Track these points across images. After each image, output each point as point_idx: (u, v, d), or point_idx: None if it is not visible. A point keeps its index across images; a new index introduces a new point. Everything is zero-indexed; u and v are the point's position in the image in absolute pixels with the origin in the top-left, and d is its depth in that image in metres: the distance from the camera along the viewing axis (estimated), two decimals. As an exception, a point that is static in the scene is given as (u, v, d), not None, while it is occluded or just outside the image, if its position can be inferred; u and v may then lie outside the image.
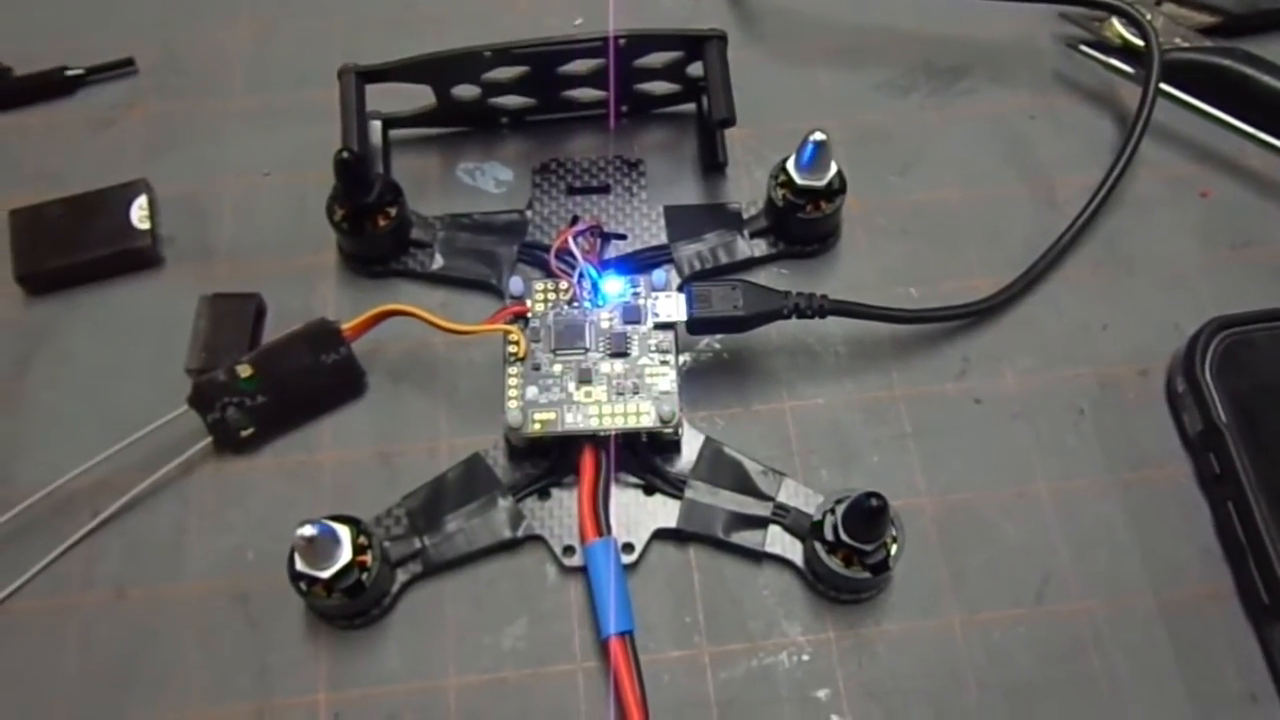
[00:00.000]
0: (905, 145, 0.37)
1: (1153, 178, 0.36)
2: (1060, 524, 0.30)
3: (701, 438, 0.31)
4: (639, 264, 0.32)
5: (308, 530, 0.26)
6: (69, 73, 0.38)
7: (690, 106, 0.36)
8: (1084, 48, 0.37)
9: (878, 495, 0.26)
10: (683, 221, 0.34)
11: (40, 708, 0.28)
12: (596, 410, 0.29)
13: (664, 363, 0.30)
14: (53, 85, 0.38)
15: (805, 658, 0.29)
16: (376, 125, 0.35)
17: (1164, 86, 0.36)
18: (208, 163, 0.36)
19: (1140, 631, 0.29)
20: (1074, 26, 0.38)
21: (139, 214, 0.34)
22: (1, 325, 0.34)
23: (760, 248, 0.34)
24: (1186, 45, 0.37)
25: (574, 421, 0.29)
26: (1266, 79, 0.35)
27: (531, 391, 0.29)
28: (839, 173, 0.33)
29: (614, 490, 0.30)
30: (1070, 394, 0.32)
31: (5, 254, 0.34)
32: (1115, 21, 0.37)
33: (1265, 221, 0.35)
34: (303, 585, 0.27)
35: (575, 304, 0.31)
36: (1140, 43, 0.36)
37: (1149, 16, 0.37)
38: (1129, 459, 0.31)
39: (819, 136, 0.31)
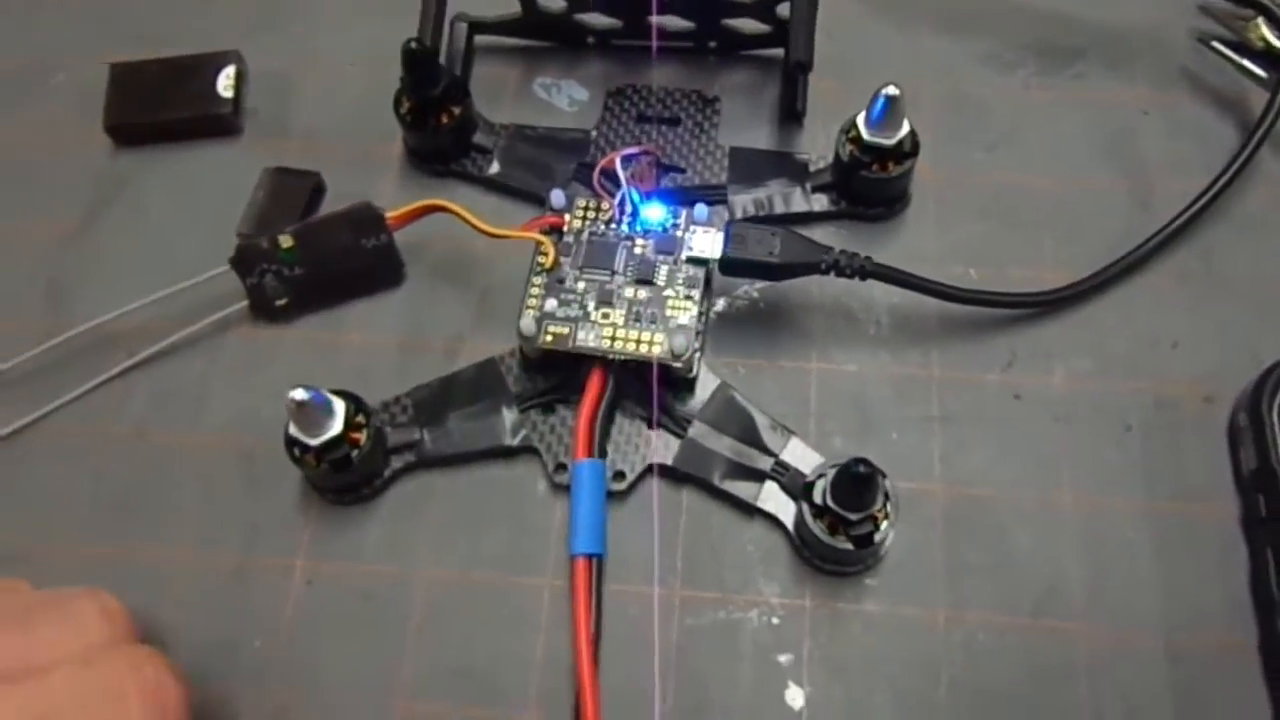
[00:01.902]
0: (999, 122, 0.34)
1: (1268, 195, 0.33)
2: (1079, 540, 0.28)
3: (717, 381, 0.30)
4: (690, 199, 0.32)
5: (300, 394, 0.26)
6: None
7: (778, 52, 0.35)
8: (1217, 44, 0.34)
9: (866, 462, 0.25)
10: (747, 165, 0.33)
11: (52, 521, 0.30)
12: (610, 333, 0.29)
13: (688, 298, 0.29)
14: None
15: (775, 620, 0.28)
16: (463, 28, 0.35)
17: (1301, 98, 0.33)
18: (298, 46, 0.37)
19: (1140, 670, 0.27)
20: (1213, 23, 0.35)
21: (225, 83, 0.36)
22: (86, 171, 0.36)
23: (820, 203, 0.33)
24: (1335, 57, 0.33)
25: (585, 340, 0.29)
26: None
27: (551, 304, 0.29)
28: (912, 134, 0.31)
29: (619, 417, 0.30)
30: (1121, 406, 0.30)
31: (101, 105, 0.36)
32: (1261, 23, 0.34)
33: (1388, 260, 0.32)
34: (295, 451, 0.28)
35: (613, 226, 0.30)
36: (1282, 47, 0.33)
37: (1297, 20, 0.33)
38: (1171, 487, 0.29)
39: (891, 91, 0.30)
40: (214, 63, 0.36)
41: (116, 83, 0.36)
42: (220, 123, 0.36)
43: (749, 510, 0.29)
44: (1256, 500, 0.28)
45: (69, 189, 0.35)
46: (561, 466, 0.29)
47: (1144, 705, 0.26)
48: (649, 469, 0.29)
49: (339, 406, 0.28)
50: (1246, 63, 0.34)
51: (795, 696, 0.27)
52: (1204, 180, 0.32)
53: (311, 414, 0.27)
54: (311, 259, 0.32)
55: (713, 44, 0.35)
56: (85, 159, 0.36)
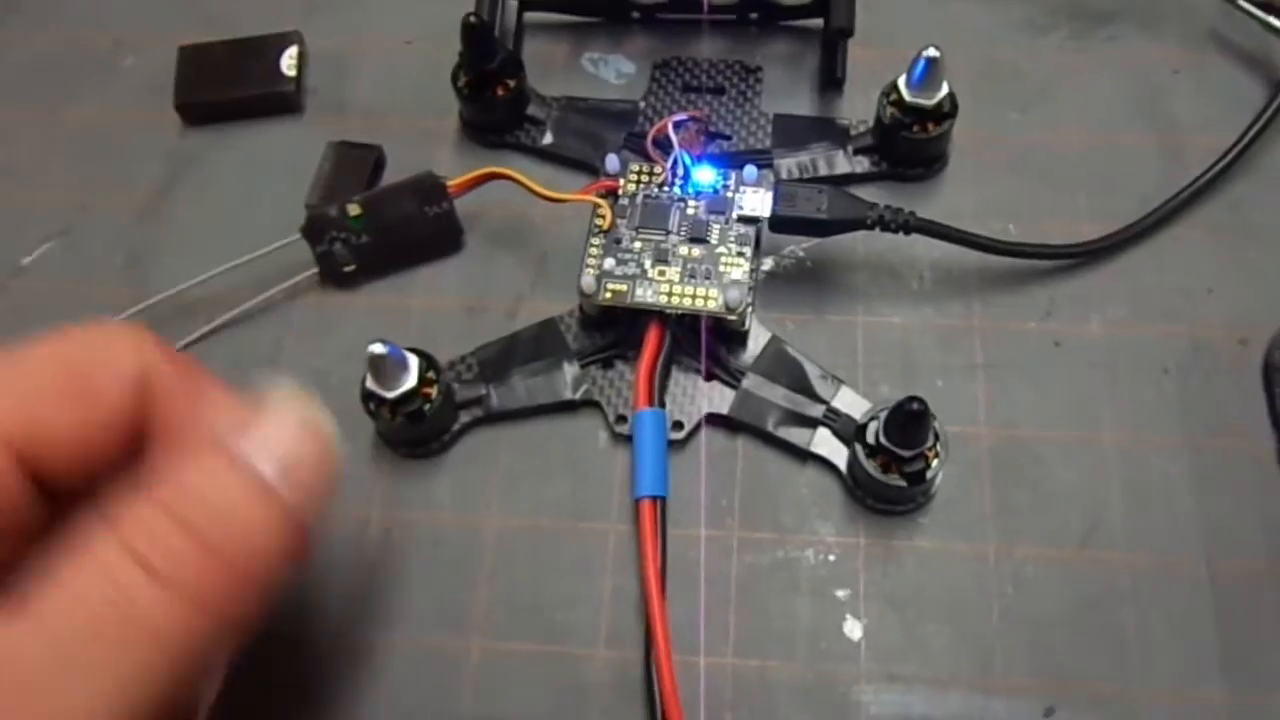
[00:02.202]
0: (1034, 84, 0.36)
1: (1297, 148, 0.34)
2: (1120, 476, 0.30)
3: (768, 335, 0.31)
4: (739, 163, 0.33)
5: (378, 348, 0.28)
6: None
7: (818, 22, 0.36)
8: (1244, 3, 0.35)
9: (919, 400, 0.26)
10: (790, 131, 0.35)
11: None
12: (667, 289, 0.30)
13: (740, 254, 0.31)
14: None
15: (831, 558, 0.29)
16: (514, 5, 0.37)
17: (1327, 54, 0.34)
18: (358, 25, 0.39)
19: (1184, 595, 0.28)
20: (1241, -16, 0.36)
21: (288, 62, 0.37)
22: (158, 147, 0.37)
23: (863, 164, 0.34)
24: (1362, 14, 0.34)
25: (643, 296, 0.30)
26: None
27: (609, 263, 0.31)
28: (950, 95, 0.32)
29: (675, 371, 0.31)
30: (1159, 351, 0.31)
31: (171, 85, 0.37)
32: (1287, -18, 0.35)
33: None
34: (371, 405, 0.29)
35: (665, 188, 0.32)
36: (1308, 5, 0.34)
37: (1325, -20, 0.35)
38: (1208, 425, 0.30)
39: (932, 53, 0.31)
40: (277, 43, 0.37)
41: (185, 64, 0.37)
42: (284, 100, 0.37)
43: (802, 455, 0.30)
44: (1292, 435, 0.29)
45: (142, 165, 0.37)
46: (622, 418, 0.31)
47: (1188, 626, 0.28)
48: (705, 419, 0.31)
49: (413, 361, 0.29)
50: (1274, 20, 0.35)
51: (853, 628, 0.28)
52: (1233, 135, 0.33)
53: (388, 368, 0.28)
54: (377, 227, 0.33)
55: (754, 15, 0.37)
56: (157, 137, 0.37)
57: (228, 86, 0.37)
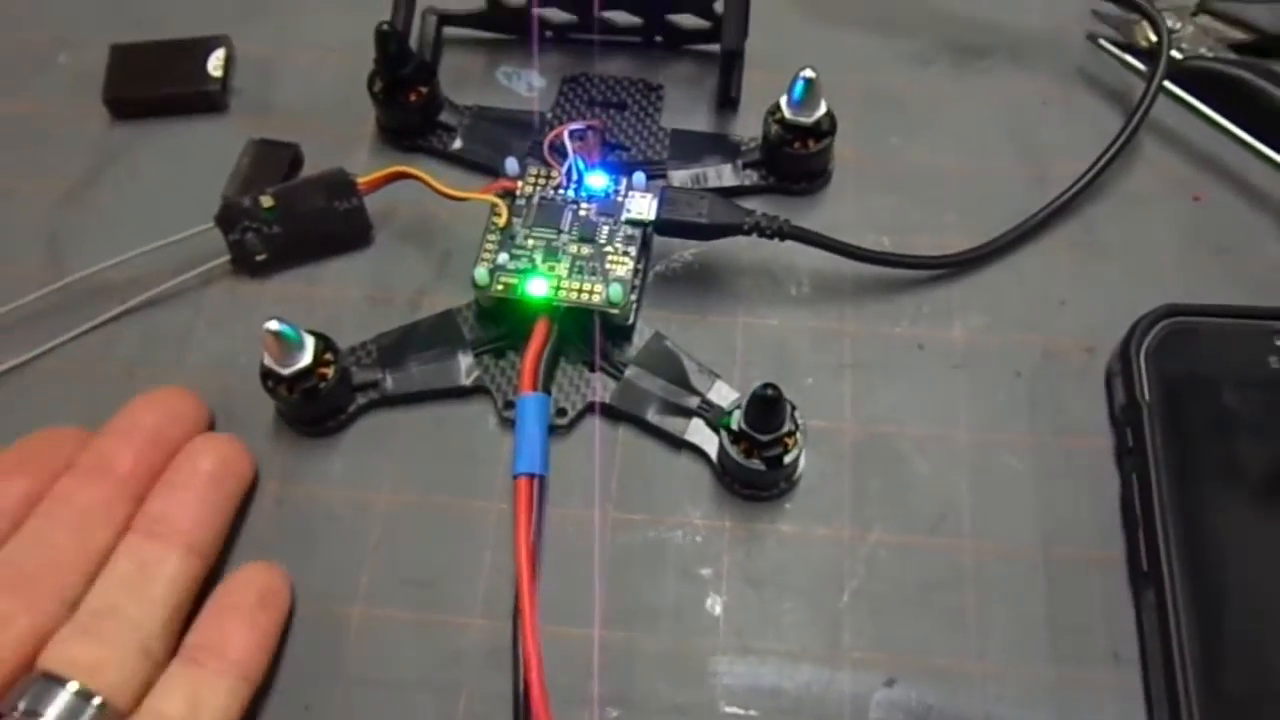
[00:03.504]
0: (913, 111, 0.38)
1: (1148, 174, 0.37)
2: (971, 469, 0.32)
3: (651, 331, 0.33)
4: (632, 170, 0.35)
5: (274, 325, 0.30)
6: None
7: (717, 47, 0.39)
8: (1103, 43, 0.38)
9: (773, 386, 0.28)
10: (686, 145, 0.37)
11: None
12: (556, 283, 0.32)
13: (626, 254, 0.33)
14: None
15: (699, 539, 0.31)
16: (433, 20, 0.39)
17: (1176, 90, 0.37)
18: (284, 33, 0.41)
19: (1021, 579, 0.30)
20: (1105, 26, 0.39)
21: (215, 64, 0.39)
22: (86, 139, 0.39)
23: (751, 178, 0.36)
24: (1210, 55, 0.37)
25: (533, 290, 0.32)
26: (1281, 95, 0.35)
27: (502, 257, 0.33)
28: (829, 114, 0.35)
29: (564, 363, 0.33)
30: (1013, 357, 0.34)
31: (101, 81, 0.39)
32: (1145, 24, 0.38)
33: (1252, 232, 0.35)
34: (269, 382, 0.31)
35: (560, 191, 0.34)
36: (1162, 46, 0.37)
37: (1179, 24, 0.38)
38: (1053, 424, 0.32)
39: (809, 73, 0.33)
40: (206, 45, 0.39)
41: (116, 61, 0.39)
42: (208, 99, 0.39)
43: (677, 444, 0.32)
44: (1125, 433, 0.31)
45: (69, 155, 0.38)
46: (510, 404, 0.33)
47: (1024, 607, 0.30)
48: (590, 407, 0.33)
49: (309, 341, 0.31)
50: (1132, 60, 0.38)
51: (714, 604, 0.30)
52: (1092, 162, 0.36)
53: (284, 345, 0.30)
54: (289, 219, 0.35)
55: (658, 38, 0.39)
56: (84, 129, 0.39)
57: (155, 83, 0.39)
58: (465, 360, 0.33)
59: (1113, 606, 0.30)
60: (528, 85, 0.39)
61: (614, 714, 0.29)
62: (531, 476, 0.30)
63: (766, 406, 0.29)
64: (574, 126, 0.35)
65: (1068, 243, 0.35)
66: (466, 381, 0.33)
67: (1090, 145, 0.37)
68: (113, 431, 0.30)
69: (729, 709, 0.29)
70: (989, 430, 0.32)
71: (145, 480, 0.29)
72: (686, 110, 0.38)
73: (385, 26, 0.34)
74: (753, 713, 0.29)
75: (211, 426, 0.32)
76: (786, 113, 0.34)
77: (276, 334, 0.30)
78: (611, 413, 0.33)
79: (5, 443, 0.33)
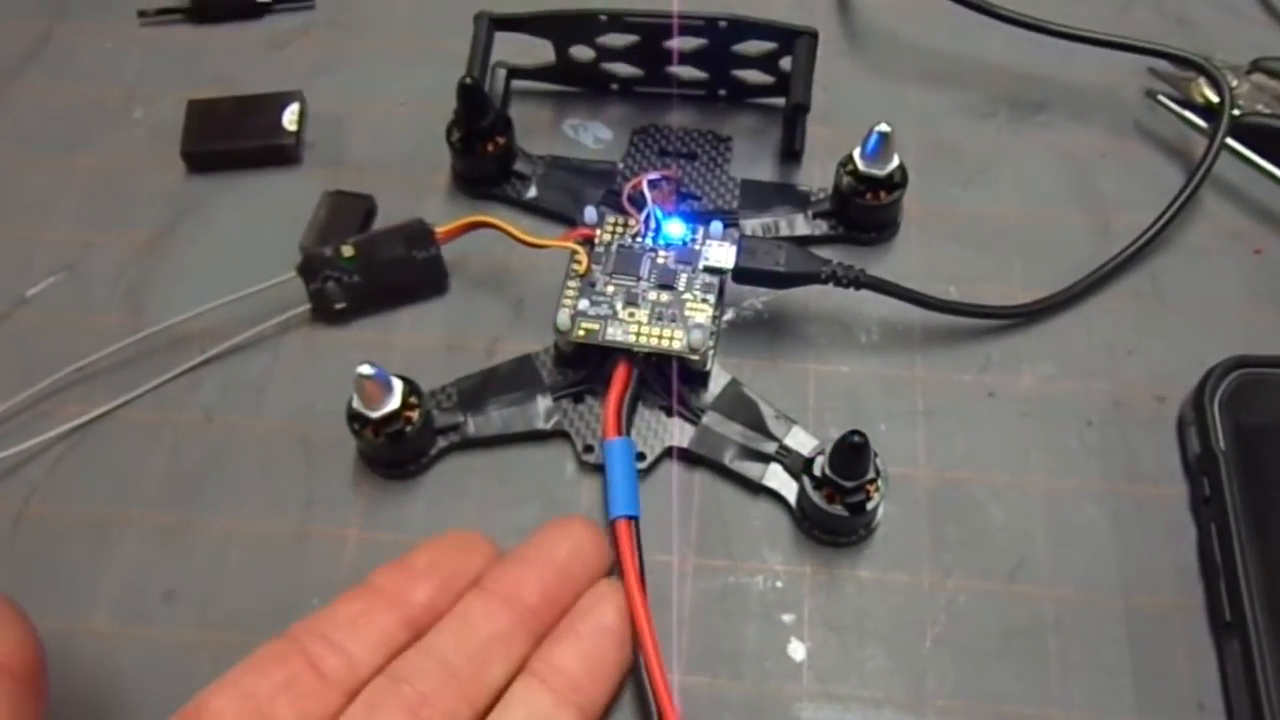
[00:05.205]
0: (974, 163, 0.39)
1: (1210, 228, 0.37)
2: (1046, 517, 0.32)
3: (728, 377, 0.34)
4: (707, 219, 0.36)
5: (366, 369, 0.30)
6: (258, 1, 0.44)
7: (779, 100, 0.40)
8: (1162, 98, 0.39)
9: (860, 433, 0.29)
10: (756, 195, 0.38)
11: (129, 496, 0.33)
12: (636, 329, 0.33)
13: (704, 301, 0.33)
14: (242, 9, 0.44)
15: (779, 584, 0.31)
16: (503, 73, 0.40)
17: (1237, 146, 0.37)
18: (356, 87, 0.42)
19: (1102, 627, 0.30)
20: (1161, 82, 0.40)
21: (289, 118, 0.40)
22: (164, 191, 0.39)
23: (821, 228, 0.37)
24: (1267, 112, 0.38)
25: (614, 335, 0.33)
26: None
27: (583, 303, 0.33)
28: (901, 166, 0.36)
29: (641, 408, 0.34)
30: (1083, 405, 0.34)
31: (177, 136, 0.40)
32: (1202, 82, 0.39)
33: (1313, 285, 0.36)
34: (355, 425, 0.32)
35: (639, 239, 0.35)
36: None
37: (1235, 82, 0.38)
38: (1126, 473, 0.33)
39: (884, 128, 0.34)
40: (280, 100, 0.40)
41: (192, 116, 0.40)
42: (283, 153, 0.40)
43: (755, 489, 0.33)
44: (1201, 482, 0.31)
45: (146, 208, 0.39)
46: (589, 448, 0.33)
47: (1106, 655, 0.30)
48: (667, 452, 0.33)
49: (397, 385, 0.31)
50: (1190, 115, 0.39)
51: (797, 649, 0.30)
52: (1153, 214, 0.36)
53: (374, 389, 0.31)
54: (369, 268, 0.36)
55: (722, 92, 0.40)
56: (161, 182, 0.40)
57: (231, 137, 0.40)
58: (544, 404, 0.34)
59: (1195, 656, 0.30)
60: (594, 138, 0.40)
61: (701, 760, 0.29)
62: (630, 519, 0.30)
63: (853, 453, 0.29)
64: (652, 176, 0.35)
65: (1132, 293, 0.36)
66: (546, 425, 0.33)
67: (1149, 198, 0.38)
68: (523, 559, 0.29)
69: (815, 755, 0.29)
70: (1062, 477, 0.33)
71: (549, 618, 0.28)
72: (752, 161, 0.39)
73: (468, 80, 0.35)
74: (839, 759, 0.29)
75: (609, 571, 0.30)
76: (860, 165, 0.35)
77: (368, 377, 0.30)
78: (689, 457, 0.33)
79: (78, 493, 0.33)
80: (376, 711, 0.25)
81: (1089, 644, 0.30)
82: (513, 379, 0.34)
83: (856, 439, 0.29)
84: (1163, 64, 0.40)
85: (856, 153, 0.35)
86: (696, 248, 0.34)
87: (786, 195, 0.38)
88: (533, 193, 0.38)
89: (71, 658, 0.31)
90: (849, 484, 0.30)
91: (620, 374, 0.33)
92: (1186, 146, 0.39)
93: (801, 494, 0.31)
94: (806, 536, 0.32)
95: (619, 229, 0.35)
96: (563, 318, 0.33)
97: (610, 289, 0.34)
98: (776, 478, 0.32)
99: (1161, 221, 0.36)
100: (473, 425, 0.33)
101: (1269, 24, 0.42)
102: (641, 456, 0.33)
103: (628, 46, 0.38)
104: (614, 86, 0.41)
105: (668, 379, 0.33)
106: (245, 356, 0.36)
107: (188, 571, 0.32)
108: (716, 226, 0.34)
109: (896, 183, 0.36)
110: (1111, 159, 0.39)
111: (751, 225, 0.37)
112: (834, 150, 0.39)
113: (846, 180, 0.36)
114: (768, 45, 0.38)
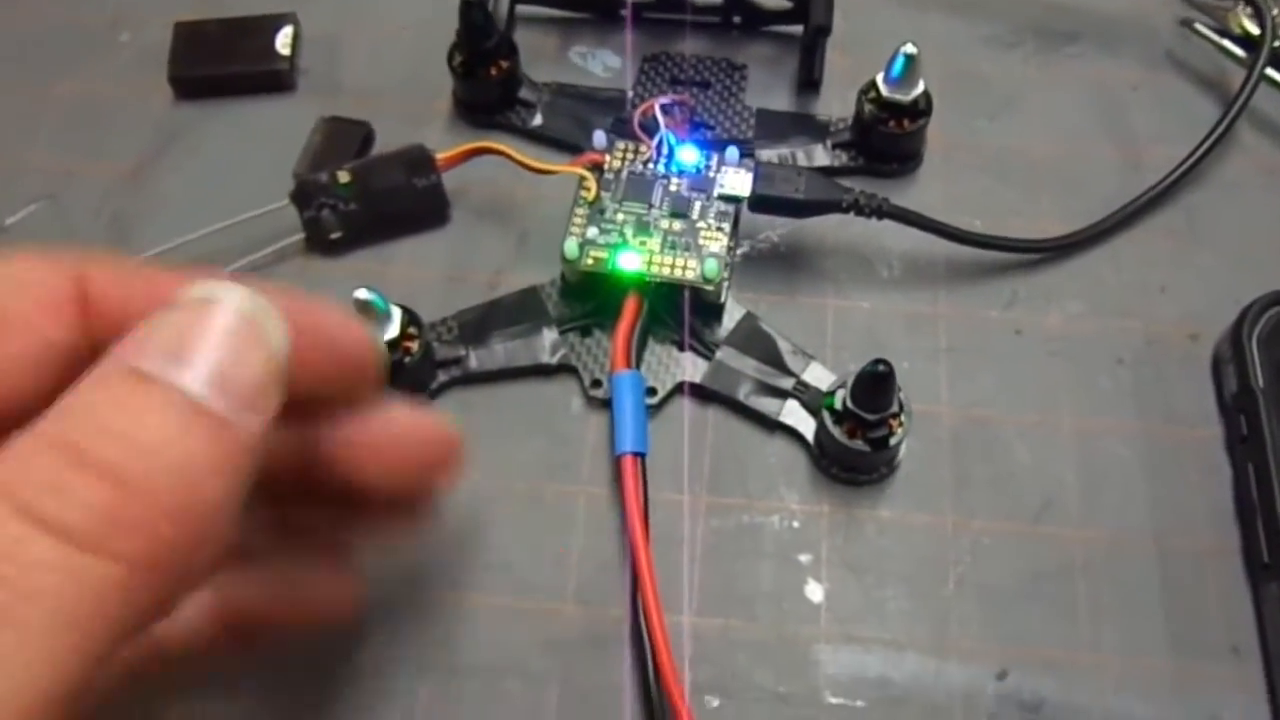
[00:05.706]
0: (1001, 94, 0.37)
1: (1247, 163, 0.36)
2: (1075, 457, 0.31)
3: (743, 311, 0.32)
4: (722, 146, 0.34)
5: (363, 293, 0.29)
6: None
7: (796, 28, 0.38)
8: (1199, 27, 0.37)
9: (886, 362, 0.27)
10: (772, 125, 0.36)
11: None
12: (647, 257, 0.31)
13: (720, 229, 0.32)
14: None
15: (795, 524, 0.30)
16: (506, -1, 0.38)
17: (1277, 77, 0.36)
18: (353, 8, 0.40)
19: (1134, 570, 0.29)
20: (1196, 11, 0.38)
21: (283, 41, 0.38)
22: (149, 118, 0.38)
23: (840, 158, 0.35)
24: (1308, 42, 0.36)
25: (625, 264, 0.31)
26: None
27: (592, 231, 0.32)
28: (926, 93, 0.34)
29: (651, 342, 0.32)
30: (1114, 343, 0.33)
31: (165, 60, 0.38)
32: (1240, 10, 0.37)
33: (1354, 221, 0.34)
34: (352, 357, 0.30)
35: (650, 165, 0.33)
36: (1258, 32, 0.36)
37: (1277, 11, 0.37)
38: (1160, 412, 0.31)
39: (910, 49, 0.33)
40: (273, 23, 0.38)
41: (180, 39, 0.38)
42: (276, 78, 0.38)
43: (771, 425, 0.31)
44: (1238, 420, 0.30)
45: (132, 135, 0.37)
46: (597, 382, 0.31)
47: (1138, 598, 0.29)
48: (679, 387, 0.32)
49: (396, 312, 0.30)
50: (1226, 43, 0.37)
51: (815, 591, 0.29)
52: (1186, 148, 0.35)
53: (371, 316, 0.29)
54: (366, 195, 0.34)
55: (737, 19, 0.38)
56: (148, 109, 0.38)
57: (221, 62, 0.38)
58: (550, 337, 0.32)
59: (1230, 599, 0.29)
60: (603, 65, 0.39)
61: (714, 703, 0.28)
62: (636, 455, 0.29)
63: (877, 384, 0.28)
64: (664, 100, 0.34)
65: (1165, 229, 0.35)
66: (552, 359, 0.32)
67: (1182, 131, 0.36)
68: None
69: (834, 699, 0.28)
70: (1092, 417, 0.31)
71: None
72: (767, 90, 0.38)
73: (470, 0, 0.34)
74: (859, 703, 0.28)
75: None
76: (883, 90, 0.34)
77: (365, 303, 0.29)
78: (702, 393, 0.32)
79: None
80: None
81: (1120, 587, 0.29)
82: (517, 311, 0.33)
83: (881, 368, 0.27)
84: (1199, -7, 0.38)
85: (880, 78, 0.34)
86: (711, 175, 0.32)
87: (804, 125, 0.36)
88: (538, 121, 0.36)
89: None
90: (872, 417, 0.28)
91: (630, 305, 0.31)
92: (1222, 78, 0.37)
93: (820, 430, 0.30)
94: (824, 475, 0.31)
95: (630, 155, 0.33)
96: (570, 246, 0.31)
97: (620, 217, 0.32)
98: (794, 414, 0.31)
99: (1196, 155, 0.34)
100: (475, 359, 0.32)
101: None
102: (652, 392, 0.31)
103: (638, -35, 0.37)
104: (622, 12, 0.39)
105: (680, 311, 0.32)
106: (237, 287, 0.34)
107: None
108: (732, 152, 0.33)
109: (921, 110, 0.34)
110: (1144, 91, 0.37)
111: (768, 156, 0.35)
112: (854, 80, 0.37)
113: (869, 107, 0.34)
114: (785, -34, 0.36)
